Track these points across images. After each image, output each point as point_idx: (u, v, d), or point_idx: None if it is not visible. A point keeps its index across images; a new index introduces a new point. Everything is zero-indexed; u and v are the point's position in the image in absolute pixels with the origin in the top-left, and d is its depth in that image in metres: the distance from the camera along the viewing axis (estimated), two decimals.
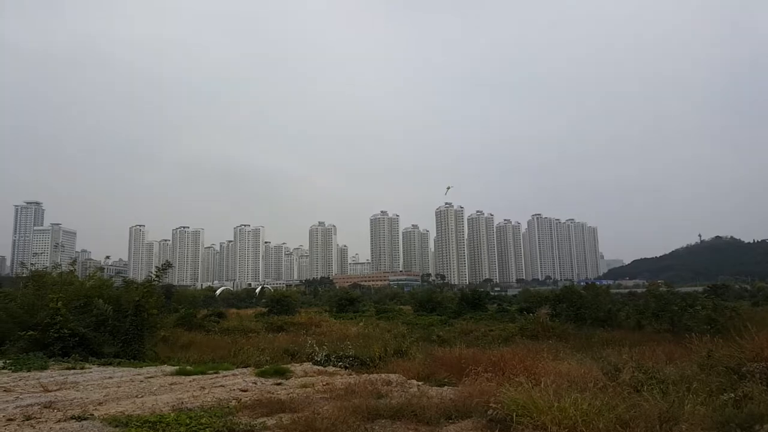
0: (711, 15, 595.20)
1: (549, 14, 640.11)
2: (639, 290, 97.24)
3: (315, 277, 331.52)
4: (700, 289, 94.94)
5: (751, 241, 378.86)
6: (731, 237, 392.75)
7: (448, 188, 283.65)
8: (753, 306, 64.00)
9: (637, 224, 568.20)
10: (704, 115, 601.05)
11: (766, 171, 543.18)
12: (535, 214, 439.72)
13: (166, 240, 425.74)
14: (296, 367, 17.69)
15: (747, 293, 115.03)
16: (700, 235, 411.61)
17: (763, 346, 13.35)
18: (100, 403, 11.28)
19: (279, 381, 14.69)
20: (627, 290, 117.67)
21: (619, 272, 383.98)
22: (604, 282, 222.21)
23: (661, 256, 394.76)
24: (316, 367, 18.55)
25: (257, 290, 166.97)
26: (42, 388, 12.91)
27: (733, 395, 10.49)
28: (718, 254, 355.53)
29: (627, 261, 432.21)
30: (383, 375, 15.67)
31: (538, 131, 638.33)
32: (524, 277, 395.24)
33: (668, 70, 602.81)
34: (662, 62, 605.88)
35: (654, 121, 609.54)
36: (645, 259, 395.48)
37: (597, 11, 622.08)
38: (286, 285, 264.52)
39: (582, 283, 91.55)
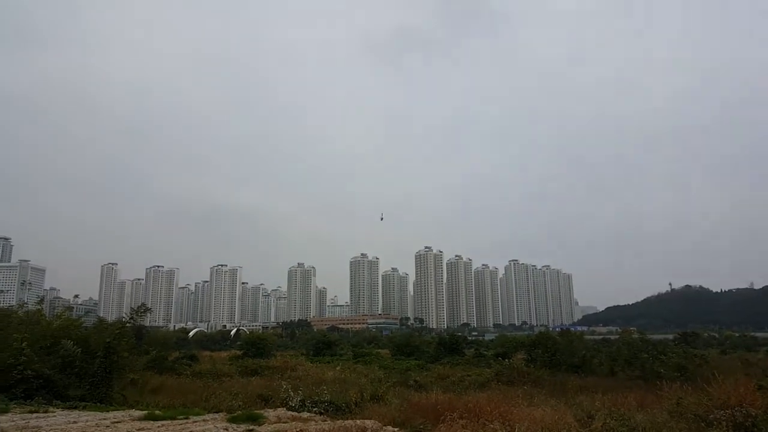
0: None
1: (528, 64, 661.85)
2: (612, 337, 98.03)
3: (293, 319, 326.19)
4: (670, 336, 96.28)
5: (719, 291, 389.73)
6: (700, 286, 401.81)
7: (382, 217, 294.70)
8: (721, 354, 65.17)
9: (610, 272, 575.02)
10: (676, 164, 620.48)
11: (734, 222, 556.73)
12: (512, 260, 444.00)
13: (139, 279, 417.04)
14: (270, 413, 17.36)
15: (715, 341, 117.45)
16: (670, 284, 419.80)
17: (729, 393, 13.70)
18: None
19: (251, 427, 14.41)
20: (600, 337, 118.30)
21: (593, 319, 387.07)
22: (579, 328, 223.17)
23: (633, 304, 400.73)
24: (290, 413, 18.22)
25: (232, 332, 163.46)
26: None
27: None
28: (688, 303, 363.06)
29: (601, 308, 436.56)
30: (358, 421, 15.49)
31: (519, 176, 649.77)
32: (501, 322, 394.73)
33: (639, 115, 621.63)
34: (623, 106, 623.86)
35: (626, 170, 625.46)
36: (618, 306, 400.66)
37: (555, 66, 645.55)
38: (263, 327, 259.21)
39: (557, 329, 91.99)
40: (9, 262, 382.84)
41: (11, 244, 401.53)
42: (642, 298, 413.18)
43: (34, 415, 15.73)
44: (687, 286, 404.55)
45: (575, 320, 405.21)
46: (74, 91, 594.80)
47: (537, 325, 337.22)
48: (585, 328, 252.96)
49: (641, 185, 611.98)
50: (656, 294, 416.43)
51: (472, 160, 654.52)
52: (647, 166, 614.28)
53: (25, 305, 25.73)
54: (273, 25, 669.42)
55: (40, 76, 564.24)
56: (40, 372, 19.72)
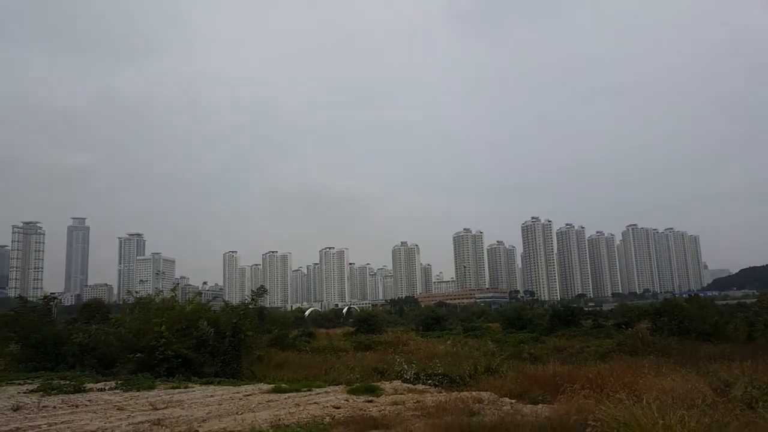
0: None
1: (632, 22, 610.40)
2: (749, 301, 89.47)
3: (399, 296, 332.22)
4: None
5: None
6: None
7: None
8: None
9: (744, 231, 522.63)
10: None
11: None
12: (630, 225, 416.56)
13: (257, 264, 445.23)
14: (386, 385, 17.84)
15: None
16: None
17: None
18: (203, 420, 11.97)
19: (370, 398, 14.89)
20: (735, 301, 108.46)
21: (725, 283, 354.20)
22: (709, 293, 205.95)
23: None
24: (405, 385, 18.61)
25: (344, 310, 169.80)
26: (151, 407, 13.86)
27: None
28: None
29: (734, 270, 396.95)
30: (474, 393, 15.47)
31: (634, 138, 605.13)
32: (620, 291, 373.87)
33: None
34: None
35: (759, 120, 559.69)
36: (754, 268, 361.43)
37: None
38: (372, 305, 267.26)
39: (684, 296, 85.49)
40: (143, 255, 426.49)
41: (144, 239, 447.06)
42: None
43: (177, 390, 17.37)
44: None
45: (704, 285, 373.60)
46: (182, 94, 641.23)
47: (661, 292, 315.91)
48: (716, 293, 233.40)
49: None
50: None
51: (578, 124, 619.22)
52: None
53: (161, 293, 28.14)
54: (358, 9, 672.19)
55: (151, 84, 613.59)
56: (178, 352, 21.67)
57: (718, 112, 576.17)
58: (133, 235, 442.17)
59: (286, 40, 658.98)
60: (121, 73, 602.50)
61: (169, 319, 23.28)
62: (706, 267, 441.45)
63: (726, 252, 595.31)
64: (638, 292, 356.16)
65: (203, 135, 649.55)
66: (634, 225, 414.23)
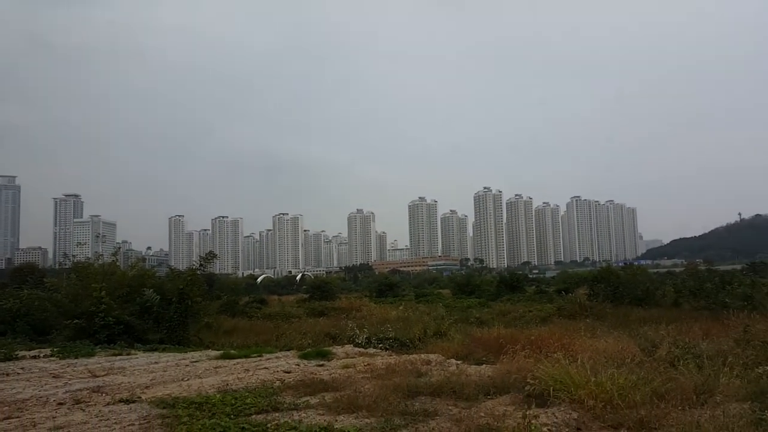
0: None
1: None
2: (678, 269, 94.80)
3: (354, 263, 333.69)
4: (738, 267, 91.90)
5: None
6: None
7: None
8: None
9: (676, 204, 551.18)
10: (744, 92, 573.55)
11: None
12: (574, 197, 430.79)
13: (205, 230, 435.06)
14: (338, 350, 18.04)
15: None
16: (740, 214, 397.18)
17: None
18: (147, 387, 11.74)
19: (321, 363, 15.04)
20: (665, 270, 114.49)
21: (658, 252, 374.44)
22: (643, 262, 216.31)
23: (700, 236, 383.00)
24: (357, 349, 18.87)
25: (298, 277, 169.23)
26: (90, 374, 13.40)
27: (767, 368, 10.41)
28: (759, 233, 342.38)
29: (666, 241, 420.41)
30: (423, 355, 15.90)
31: (578, 112, 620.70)
32: (563, 259, 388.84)
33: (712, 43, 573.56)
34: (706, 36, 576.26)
35: (692, 100, 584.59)
36: (684, 238, 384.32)
37: None
38: (326, 272, 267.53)
39: (620, 264, 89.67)
40: (81, 218, 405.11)
41: (82, 201, 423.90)
42: (710, 230, 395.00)
43: (118, 357, 16.86)
44: (757, 215, 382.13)
45: (639, 254, 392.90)
46: (132, 45, 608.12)
47: (600, 260, 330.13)
48: (649, 262, 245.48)
49: (712, 119, 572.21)
50: (725, 225, 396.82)
51: (531, 96, 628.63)
52: (717, 95, 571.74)
53: (101, 257, 27.00)
54: None
55: (100, 31, 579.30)
56: (120, 318, 21.08)
57: (663, 92, 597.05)
58: (69, 195, 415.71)
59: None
60: (55, 18, 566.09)
61: (109, 284, 22.56)
62: (641, 237, 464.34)
63: (660, 224, 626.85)
64: (579, 260, 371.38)
65: (149, 91, 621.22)
66: (578, 197, 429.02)
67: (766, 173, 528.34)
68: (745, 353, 12.20)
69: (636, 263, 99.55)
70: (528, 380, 9.35)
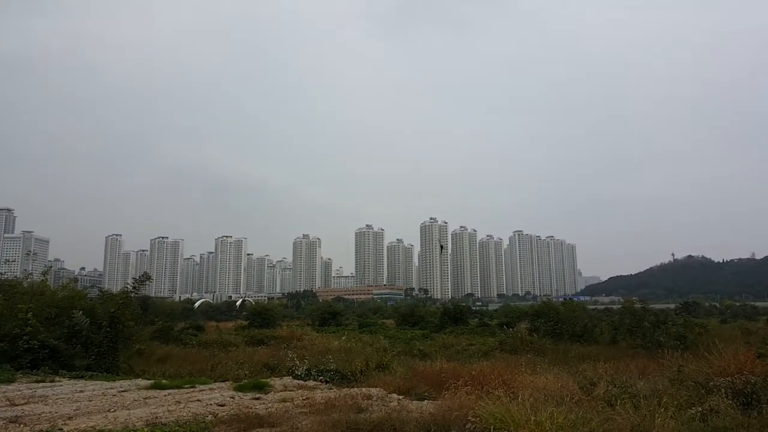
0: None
1: (540, 34, 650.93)
2: (615, 306, 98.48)
3: (298, 290, 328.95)
4: (672, 306, 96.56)
5: (721, 261, 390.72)
6: (702, 256, 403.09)
7: (441, 247, 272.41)
8: (721, 323, 65.56)
9: (613, 243, 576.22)
10: (677, 133, 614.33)
11: (737, 192, 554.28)
12: (517, 231, 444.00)
13: (143, 250, 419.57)
14: (276, 382, 17.54)
15: (716, 310, 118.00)
16: (673, 254, 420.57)
17: (729, 361, 13.81)
18: (70, 418, 11.05)
19: (258, 395, 14.56)
20: (603, 306, 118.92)
21: (596, 289, 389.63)
22: (582, 298, 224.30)
23: (636, 274, 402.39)
24: (296, 382, 18.41)
25: (238, 303, 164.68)
26: (8, 402, 12.62)
27: (700, 409, 10.89)
28: (690, 273, 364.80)
29: (604, 278, 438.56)
30: (364, 389, 15.63)
31: (522, 149, 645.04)
32: (505, 292, 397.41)
33: (643, 88, 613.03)
34: (640, 82, 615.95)
35: (627, 140, 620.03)
36: (621, 276, 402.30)
37: (589, 31, 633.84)
38: (268, 298, 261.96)
39: (560, 299, 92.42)
40: (12, 233, 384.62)
41: (14, 215, 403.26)
42: (645, 269, 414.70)
43: (41, 384, 15.92)
44: (689, 256, 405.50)
45: (578, 290, 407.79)
46: (75, 57, 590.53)
47: (540, 295, 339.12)
48: (588, 298, 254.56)
49: (643, 155, 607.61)
50: (659, 264, 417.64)
51: (477, 130, 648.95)
52: (648, 136, 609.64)
53: (30, 276, 25.71)
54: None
55: (40, 42, 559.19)
56: (45, 342, 19.85)
57: (606, 131, 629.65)
58: (1, 209, 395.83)
59: (196, 14, 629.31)
60: None
61: (37, 305, 21.34)
62: (580, 274, 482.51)
63: (598, 261, 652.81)
64: (521, 294, 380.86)
65: (91, 103, 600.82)
66: (520, 231, 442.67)
67: (699, 214, 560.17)
68: (679, 393, 12.63)
69: (575, 299, 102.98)
70: (469, 418, 9.31)
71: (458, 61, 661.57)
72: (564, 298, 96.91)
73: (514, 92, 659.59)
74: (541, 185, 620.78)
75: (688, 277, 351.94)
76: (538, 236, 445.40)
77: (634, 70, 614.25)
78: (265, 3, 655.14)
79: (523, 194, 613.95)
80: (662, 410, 9.92)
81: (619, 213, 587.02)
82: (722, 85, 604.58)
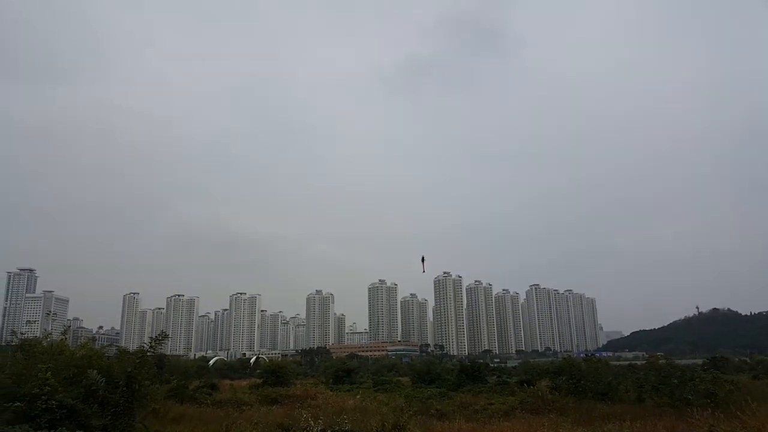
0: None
1: (539, 87, 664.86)
2: (639, 362, 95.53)
3: (312, 346, 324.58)
4: (699, 361, 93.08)
5: (749, 314, 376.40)
6: (728, 309, 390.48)
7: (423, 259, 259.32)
8: (753, 379, 62.74)
9: (635, 296, 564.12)
10: (702, 185, 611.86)
11: (763, 243, 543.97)
12: (534, 285, 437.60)
13: (160, 308, 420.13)
14: None
15: (746, 366, 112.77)
16: (697, 308, 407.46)
17: (765, 421, 13.24)
18: None
19: None
20: (627, 362, 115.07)
21: (618, 344, 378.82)
22: (604, 354, 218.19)
23: (659, 328, 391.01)
24: None
25: (252, 360, 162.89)
26: None
27: None
28: (716, 326, 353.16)
29: (626, 333, 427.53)
30: None
31: (536, 203, 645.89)
32: (523, 348, 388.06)
33: (666, 137, 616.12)
34: (660, 130, 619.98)
35: (650, 192, 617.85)
36: (644, 330, 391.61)
37: (589, 82, 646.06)
38: (282, 355, 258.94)
39: (581, 355, 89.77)
40: (34, 293, 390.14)
41: (36, 275, 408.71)
42: (668, 323, 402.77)
43: None
44: (715, 309, 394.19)
45: (600, 345, 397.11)
46: (94, 124, 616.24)
47: (561, 351, 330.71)
48: (610, 354, 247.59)
49: (666, 208, 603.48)
50: (683, 318, 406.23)
51: (491, 188, 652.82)
52: (671, 188, 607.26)
53: (49, 336, 25.98)
54: (284, 61, 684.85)
55: (62, 111, 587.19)
56: (64, 402, 19.78)
57: (620, 183, 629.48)
58: (23, 270, 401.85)
59: (207, 78, 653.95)
60: (15, 98, 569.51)
61: (56, 364, 21.36)
62: (601, 328, 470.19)
63: (619, 315, 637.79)
64: (540, 350, 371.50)
65: (108, 167, 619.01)
66: (537, 285, 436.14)
67: (723, 267, 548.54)
68: None
69: (597, 354, 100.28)
70: None
71: (465, 118, 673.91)
72: (585, 354, 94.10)
73: (527, 147, 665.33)
74: (557, 240, 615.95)
75: (714, 330, 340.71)
76: (556, 290, 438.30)
77: (653, 119, 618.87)
78: (273, 67, 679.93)
79: (539, 249, 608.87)
80: None
81: (639, 266, 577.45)
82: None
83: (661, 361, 40.00)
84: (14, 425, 18.51)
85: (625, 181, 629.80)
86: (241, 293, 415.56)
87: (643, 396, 36.08)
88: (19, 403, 19.58)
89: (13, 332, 29.30)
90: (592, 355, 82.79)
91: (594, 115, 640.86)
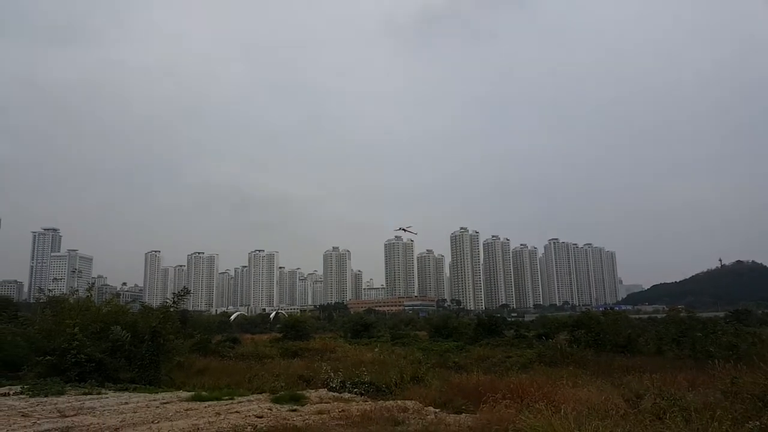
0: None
1: (563, 36, 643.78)
2: (659, 316, 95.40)
3: (329, 302, 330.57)
4: (721, 314, 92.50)
5: None
6: (753, 261, 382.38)
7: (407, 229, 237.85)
8: None
9: (656, 249, 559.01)
10: (724, 137, 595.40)
11: None
12: (552, 239, 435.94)
13: (181, 266, 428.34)
14: (311, 394, 17.60)
15: None
16: (720, 260, 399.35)
17: None
18: (116, 429, 11.33)
19: (294, 407, 14.61)
20: (647, 316, 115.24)
21: (638, 297, 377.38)
22: (623, 307, 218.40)
23: (681, 281, 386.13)
24: (331, 394, 18.44)
25: (271, 316, 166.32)
26: (59, 414, 13.00)
27: (758, 423, 10.26)
28: (740, 279, 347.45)
29: (646, 286, 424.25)
30: (399, 402, 15.52)
31: (557, 154, 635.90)
32: (541, 303, 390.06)
33: (689, 89, 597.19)
34: (685, 74, 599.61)
35: (673, 144, 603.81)
36: (664, 284, 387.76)
37: (613, 27, 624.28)
38: (301, 310, 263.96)
39: (600, 309, 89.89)
40: (59, 251, 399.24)
41: (60, 234, 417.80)
42: (690, 275, 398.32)
43: (88, 396, 16.35)
44: (738, 261, 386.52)
45: (619, 299, 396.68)
46: (109, 85, 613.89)
47: (579, 305, 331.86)
48: (630, 307, 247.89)
49: (685, 158, 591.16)
50: (705, 271, 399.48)
51: (507, 138, 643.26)
52: (690, 137, 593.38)
53: (76, 292, 26.62)
54: (296, 12, 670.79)
55: (76, 74, 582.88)
56: (92, 356, 20.41)
57: (646, 142, 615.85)
58: (48, 229, 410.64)
59: (222, 37, 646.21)
60: (41, 60, 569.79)
61: (83, 320, 21.94)
62: (621, 282, 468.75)
63: (639, 269, 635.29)
64: (558, 304, 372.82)
65: (128, 128, 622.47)
66: (556, 239, 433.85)
67: (747, 220, 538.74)
68: (734, 407, 11.95)
69: (617, 308, 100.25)
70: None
71: (486, 71, 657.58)
72: (604, 308, 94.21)
73: (550, 98, 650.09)
74: (577, 193, 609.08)
75: (738, 283, 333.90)
76: (575, 244, 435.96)
77: (678, 71, 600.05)
78: (286, 22, 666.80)
79: (557, 203, 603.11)
80: (716, 424, 9.46)
81: (661, 218, 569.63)
82: None
83: (681, 314, 39.76)
84: (46, 378, 19.20)
85: (649, 130, 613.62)
86: (259, 250, 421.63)
87: (663, 348, 36.11)
88: (49, 357, 20.25)
89: (41, 289, 30.05)
90: (611, 308, 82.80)
91: (621, 67, 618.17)
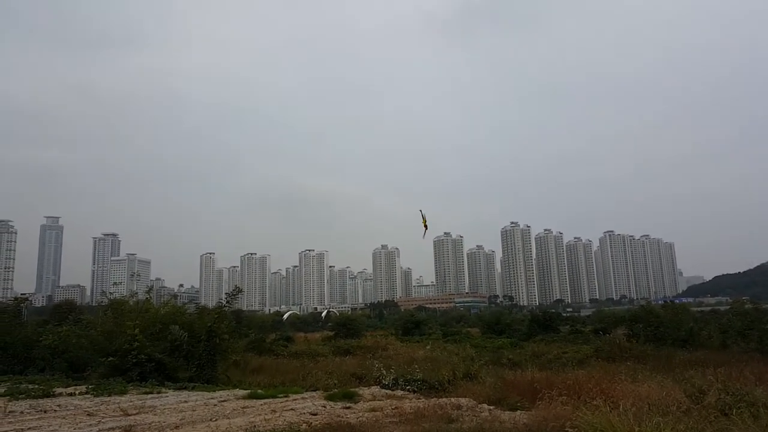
0: None
1: (616, 22, 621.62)
2: (722, 308, 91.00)
3: (379, 300, 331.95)
4: None
5: None
6: None
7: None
8: None
9: (718, 239, 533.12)
10: None
11: None
12: (608, 231, 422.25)
13: (234, 266, 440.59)
14: (364, 391, 17.68)
15: None
16: None
17: None
18: (176, 427, 11.69)
19: (348, 405, 14.72)
20: (709, 308, 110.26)
21: (699, 289, 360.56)
22: (684, 300, 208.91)
23: (744, 272, 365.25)
24: (384, 391, 18.47)
25: (323, 314, 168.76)
26: (122, 412, 13.55)
27: None
28: None
29: (708, 277, 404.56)
30: (453, 399, 15.41)
31: (607, 144, 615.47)
32: (597, 297, 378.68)
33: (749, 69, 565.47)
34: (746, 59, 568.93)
35: (733, 127, 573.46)
36: (727, 275, 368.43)
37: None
38: (351, 308, 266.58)
39: (660, 302, 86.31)
40: (118, 256, 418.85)
41: (119, 239, 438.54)
42: (754, 266, 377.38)
43: (149, 395, 16.99)
44: None
45: (679, 292, 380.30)
46: (167, 86, 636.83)
47: (637, 298, 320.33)
48: (691, 300, 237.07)
49: (746, 146, 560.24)
50: None
51: (559, 133, 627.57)
52: (754, 130, 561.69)
53: (135, 295, 27.72)
54: (341, 12, 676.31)
55: (136, 75, 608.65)
56: (152, 356, 21.23)
57: (697, 122, 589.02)
58: (108, 235, 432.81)
59: (268, 39, 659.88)
60: (96, 66, 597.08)
61: (142, 321, 22.82)
62: (681, 274, 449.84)
63: (700, 259, 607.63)
64: (615, 298, 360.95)
65: (182, 133, 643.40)
66: (611, 231, 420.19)
67: None
68: None
69: (677, 301, 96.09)
70: (567, 429, 8.90)
71: (530, 63, 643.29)
72: (664, 301, 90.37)
73: (599, 87, 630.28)
74: (633, 182, 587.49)
75: None
76: (632, 236, 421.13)
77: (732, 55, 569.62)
78: (334, 25, 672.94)
79: (613, 194, 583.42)
80: None
81: (722, 206, 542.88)
82: None
83: (746, 306, 37.74)
84: (109, 378, 20.10)
85: (706, 122, 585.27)
86: (309, 250, 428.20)
87: (728, 342, 34.52)
88: (112, 358, 21.18)
89: (103, 292, 31.41)
90: (671, 301, 79.50)
91: (674, 49, 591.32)
